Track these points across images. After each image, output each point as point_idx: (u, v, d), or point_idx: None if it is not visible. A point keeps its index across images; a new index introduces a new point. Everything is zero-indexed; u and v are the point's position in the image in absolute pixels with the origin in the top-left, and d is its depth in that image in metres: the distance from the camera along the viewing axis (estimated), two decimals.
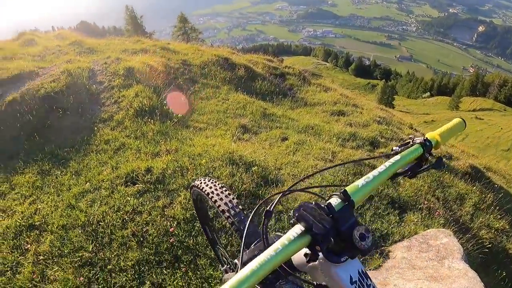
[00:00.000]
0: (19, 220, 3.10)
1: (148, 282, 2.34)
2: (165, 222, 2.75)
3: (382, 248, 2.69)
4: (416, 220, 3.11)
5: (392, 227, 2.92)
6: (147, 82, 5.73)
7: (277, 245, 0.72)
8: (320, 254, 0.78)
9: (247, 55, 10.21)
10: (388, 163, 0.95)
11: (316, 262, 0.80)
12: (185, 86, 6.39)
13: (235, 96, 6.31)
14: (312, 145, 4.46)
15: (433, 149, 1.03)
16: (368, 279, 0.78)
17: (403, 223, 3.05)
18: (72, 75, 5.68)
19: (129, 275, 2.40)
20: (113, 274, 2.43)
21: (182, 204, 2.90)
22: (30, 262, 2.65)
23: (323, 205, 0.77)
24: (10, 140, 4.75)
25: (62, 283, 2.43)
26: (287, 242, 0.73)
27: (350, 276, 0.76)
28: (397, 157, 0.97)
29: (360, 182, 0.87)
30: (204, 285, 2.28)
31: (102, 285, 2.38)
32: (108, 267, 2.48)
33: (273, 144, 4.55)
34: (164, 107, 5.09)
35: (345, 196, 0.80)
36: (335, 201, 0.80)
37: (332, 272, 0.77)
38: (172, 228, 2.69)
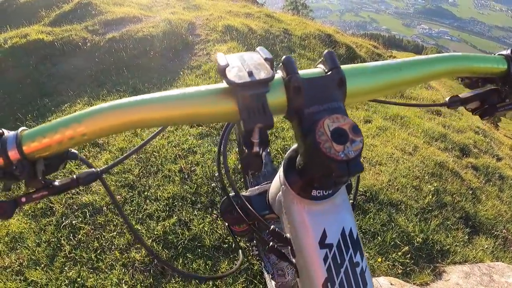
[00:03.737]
0: None
1: (175, 217, 2.28)
2: (214, 168, 2.66)
3: (437, 265, 2.33)
4: (486, 246, 2.68)
5: (456, 245, 2.54)
6: (243, 41, 5.77)
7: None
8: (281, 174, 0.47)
9: (353, 37, 9.75)
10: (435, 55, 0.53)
11: (280, 193, 0.50)
12: (281, 52, 6.26)
13: None
14: (396, 134, 4.08)
15: None
16: (359, 256, 0.44)
17: (470, 245, 2.63)
18: (171, 24, 6.00)
19: (161, 206, 2.37)
20: (147, 201, 2.42)
21: (237, 154, 2.80)
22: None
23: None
24: (102, 71, 5.16)
25: (101, 196, 2.51)
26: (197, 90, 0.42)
27: (324, 232, 0.43)
28: (457, 54, 0.55)
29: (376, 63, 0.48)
30: (229, 237, 2.17)
31: (134, 207, 2.38)
32: (145, 193, 2.48)
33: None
34: None
35: (332, 66, 0.42)
36: (313, 70, 0.45)
37: (294, 214, 0.45)
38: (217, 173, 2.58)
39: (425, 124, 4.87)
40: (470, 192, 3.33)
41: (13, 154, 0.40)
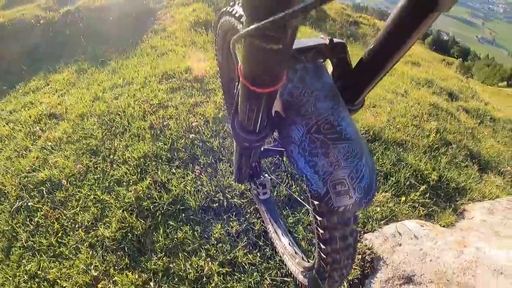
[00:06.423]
0: (42, 110, 2.85)
1: (149, 179, 1.88)
2: (191, 119, 2.27)
3: (456, 203, 2.06)
4: (498, 183, 2.45)
5: (470, 182, 2.27)
6: (208, 2, 5.40)
7: None
8: None
9: None
10: None
11: None
12: None
13: (302, 29, 5.72)
14: (383, 78, 3.80)
15: None
16: None
17: (482, 182, 2.39)
18: None
19: (131, 169, 1.96)
20: (114, 165, 2.01)
21: (217, 103, 2.43)
22: (38, 147, 2.35)
23: None
24: (58, 45, 4.85)
25: (59, 169, 2.09)
26: None
27: None
28: None
29: None
30: (218, 195, 1.78)
31: (99, 175, 1.98)
32: (111, 157, 2.07)
33: None
34: None
35: None
36: None
37: None
38: (196, 123, 2.21)
39: (408, 71, 4.67)
40: (469, 131, 3.11)
41: None
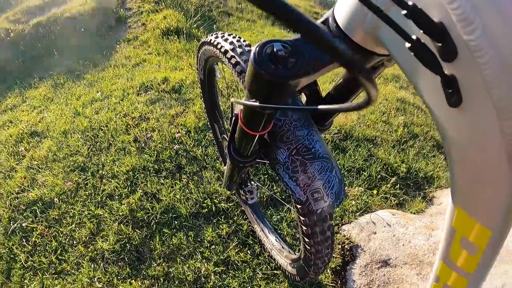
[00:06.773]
0: (22, 128, 2.89)
1: (140, 191, 1.98)
2: (173, 130, 2.38)
3: (426, 191, 2.24)
4: None
5: (437, 171, 2.47)
6: (178, 8, 5.47)
7: None
8: None
9: None
10: None
11: None
12: (219, 17, 6.03)
13: (271, 30, 5.84)
14: None
15: None
16: None
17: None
18: (100, 1, 5.75)
19: (121, 182, 2.06)
20: (104, 180, 2.10)
21: (197, 113, 2.54)
22: (24, 167, 2.40)
23: None
24: (30, 59, 4.83)
25: (49, 188, 2.15)
26: None
27: None
28: None
29: None
30: (206, 201, 1.91)
31: (90, 191, 2.06)
32: (100, 172, 2.16)
33: None
34: (193, 30, 4.71)
35: None
36: None
37: None
38: (179, 134, 2.32)
39: None
40: (434, 123, 3.31)
41: None
